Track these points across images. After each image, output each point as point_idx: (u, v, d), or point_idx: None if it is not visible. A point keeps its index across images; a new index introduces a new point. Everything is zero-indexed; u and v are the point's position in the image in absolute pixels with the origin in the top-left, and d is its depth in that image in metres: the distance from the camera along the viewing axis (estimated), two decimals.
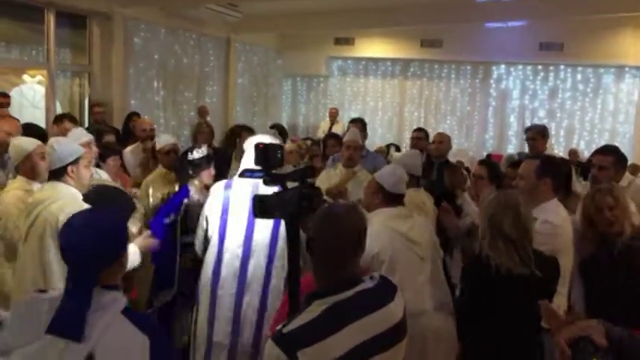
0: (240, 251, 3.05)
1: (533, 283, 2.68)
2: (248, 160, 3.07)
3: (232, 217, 3.08)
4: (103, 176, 4.17)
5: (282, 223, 2.78)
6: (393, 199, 3.28)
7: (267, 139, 3.12)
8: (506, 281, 2.66)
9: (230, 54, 11.17)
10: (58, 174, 3.01)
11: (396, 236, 3.10)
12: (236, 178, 3.12)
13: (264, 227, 3.03)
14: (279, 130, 7.49)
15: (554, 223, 3.17)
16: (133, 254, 2.84)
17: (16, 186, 3.40)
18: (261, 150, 2.21)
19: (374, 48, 12.20)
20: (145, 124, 5.97)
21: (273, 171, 2.16)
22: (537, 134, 5.72)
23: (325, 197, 4.10)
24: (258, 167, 2.22)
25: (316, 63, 12.66)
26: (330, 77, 13.12)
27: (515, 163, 4.60)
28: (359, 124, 6.12)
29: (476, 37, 11.07)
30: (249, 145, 3.12)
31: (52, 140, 3.16)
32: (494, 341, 2.74)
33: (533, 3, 8.66)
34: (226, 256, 3.06)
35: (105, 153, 4.59)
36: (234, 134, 5.93)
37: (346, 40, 12.27)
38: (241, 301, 3.01)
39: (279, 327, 1.80)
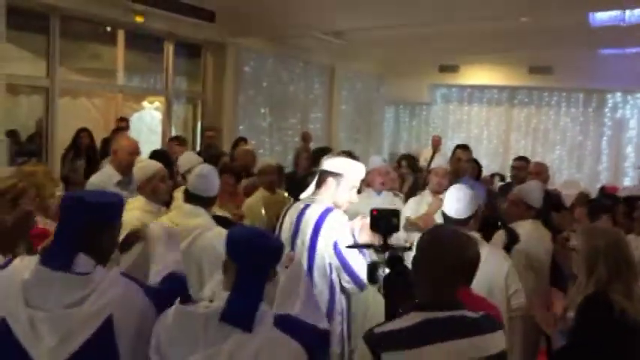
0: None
1: None
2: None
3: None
4: None
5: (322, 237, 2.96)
6: None
7: (338, 160, 3.18)
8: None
9: (334, 81, 11.39)
10: (205, 201, 3.17)
11: None
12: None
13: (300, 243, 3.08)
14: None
15: None
16: None
17: (136, 205, 3.47)
18: (374, 217, 2.24)
19: (479, 75, 11.98)
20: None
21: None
22: None
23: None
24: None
25: (419, 90, 12.63)
26: (433, 105, 13.01)
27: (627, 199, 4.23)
28: (465, 150, 5.91)
29: (589, 64, 10.58)
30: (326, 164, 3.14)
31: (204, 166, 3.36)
32: None
33: None
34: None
35: (221, 171, 4.80)
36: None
37: (451, 68, 12.12)
38: None
39: (373, 326, 1.89)
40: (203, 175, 3.19)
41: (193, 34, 8.28)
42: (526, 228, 3.73)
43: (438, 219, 3.87)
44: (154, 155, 4.36)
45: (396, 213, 2.52)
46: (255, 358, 1.75)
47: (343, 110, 11.79)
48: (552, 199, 5.06)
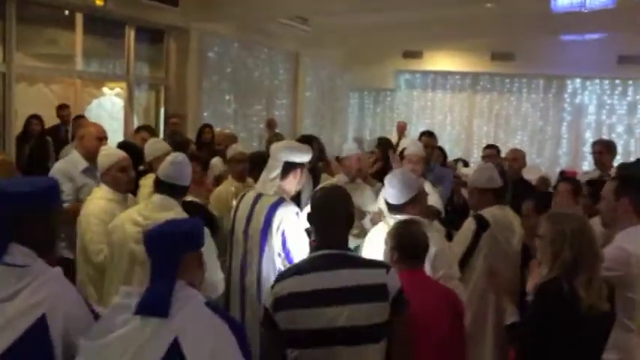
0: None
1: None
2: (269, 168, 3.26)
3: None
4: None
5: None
6: None
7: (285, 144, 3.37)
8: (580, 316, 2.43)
9: (299, 67, 11.31)
10: (176, 191, 3.04)
11: None
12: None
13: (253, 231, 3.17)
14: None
15: (628, 249, 2.80)
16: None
17: (100, 195, 3.43)
18: None
19: (443, 61, 12.07)
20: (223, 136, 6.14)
21: None
22: (604, 148, 5.53)
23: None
24: None
25: (384, 77, 12.66)
26: (398, 91, 13.07)
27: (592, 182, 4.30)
28: (429, 137, 5.90)
29: (550, 50, 10.75)
30: (272, 151, 3.29)
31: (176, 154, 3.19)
32: None
33: (613, 15, 8.34)
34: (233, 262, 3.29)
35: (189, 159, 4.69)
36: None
37: (414, 54, 12.19)
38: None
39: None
40: (177, 162, 3.06)
41: (155, 19, 8.08)
42: (494, 214, 3.75)
43: None
44: (124, 147, 4.23)
45: None
46: (181, 332, 1.75)
47: (308, 97, 11.74)
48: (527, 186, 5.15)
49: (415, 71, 12.70)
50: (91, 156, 3.89)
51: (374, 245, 3.02)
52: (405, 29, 10.15)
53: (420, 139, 5.38)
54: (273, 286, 2.23)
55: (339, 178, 4.39)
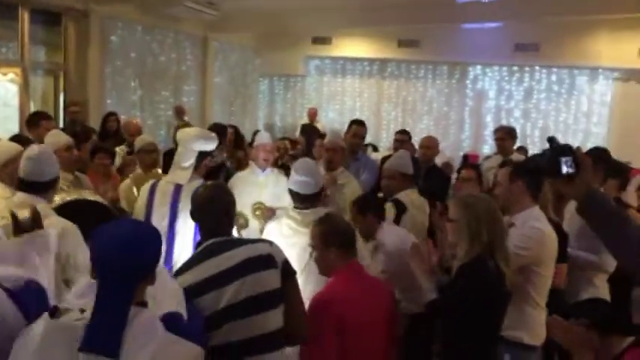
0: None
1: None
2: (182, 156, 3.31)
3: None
4: (84, 181, 4.05)
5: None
6: None
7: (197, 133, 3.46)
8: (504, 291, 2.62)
9: (207, 53, 11.05)
10: (38, 187, 2.77)
11: None
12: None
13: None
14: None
15: (543, 229, 3.00)
16: None
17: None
18: None
19: (351, 47, 12.19)
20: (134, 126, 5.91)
21: None
22: (506, 134, 5.85)
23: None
24: None
25: (293, 62, 12.62)
26: (308, 77, 13.09)
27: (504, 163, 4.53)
28: (359, 126, 5.81)
29: (453, 38, 11.13)
30: (182, 140, 3.37)
31: (33, 149, 2.88)
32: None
33: (509, 4, 8.75)
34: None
35: (94, 150, 4.49)
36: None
37: (323, 40, 12.23)
38: None
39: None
40: (33, 157, 2.77)
41: (51, 0, 7.62)
42: (409, 197, 3.89)
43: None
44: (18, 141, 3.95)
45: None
46: None
47: (217, 83, 11.51)
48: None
49: (324, 57, 12.76)
50: None
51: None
52: (314, 15, 10.18)
53: (350, 127, 5.34)
54: None
55: (250, 169, 4.33)
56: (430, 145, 5.81)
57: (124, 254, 1.65)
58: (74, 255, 2.60)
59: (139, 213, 3.26)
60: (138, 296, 1.70)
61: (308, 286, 2.79)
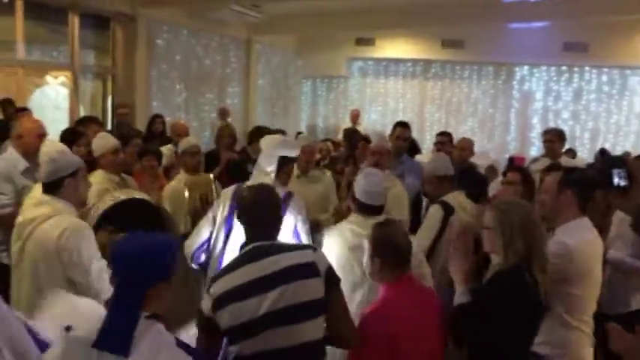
0: None
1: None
2: (265, 161, 3.24)
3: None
4: (130, 183, 4.12)
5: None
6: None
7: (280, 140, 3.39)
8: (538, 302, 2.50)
9: (251, 55, 11.15)
10: (53, 187, 2.77)
11: None
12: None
13: None
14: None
15: (568, 244, 2.79)
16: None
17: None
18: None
19: (395, 48, 12.11)
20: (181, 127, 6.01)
21: None
22: (555, 137, 5.68)
23: None
24: None
25: (336, 64, 12.61)
26: (350, 78, 13.06)
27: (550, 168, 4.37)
28: (403, 128, 5.64)
29: (498, 38, 10.94)
30: (266, 145, 3.30)
31: (49, 149, 2.92)
32: None
33: (558, 3, 8.53)
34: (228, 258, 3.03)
35: (142, 153, 4.57)
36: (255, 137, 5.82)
37: (367, 41, 12.18)
38: None
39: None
40: (54, 160, 2.80)
41: (100, 5, 7.82)
42: (457, 199, 3.82)
43: None
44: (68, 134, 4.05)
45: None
46: None
47: (260, 84, 11.60)
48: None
49: (367, 58, 12.71)
50: (30, 155, 3.73)
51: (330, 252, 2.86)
52: (357, 16, 10.14)
53: (394, 129, 5.30)
54: (208, 290, 2.25)
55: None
56: (465, 146, 5.75)
57: (137, 260, 1.76)
58: (78, 253, 2.62)
59: (219, 216, 3.18)
60: (152, 307, 1.76)
61: (370, 295, 2.75)
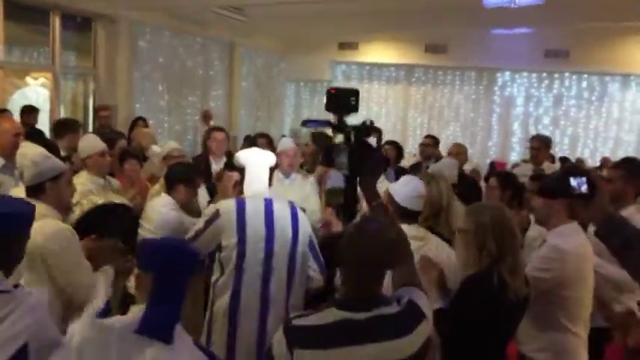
0: (260, 270, 2.87)
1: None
2: (255, 178, 3.04)
3: (250, 234, 2.88)
4: (114, 185, 4.09)
5: (301, 231, 2.93)
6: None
7: (259, 152, 3.17)
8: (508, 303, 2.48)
9: (234, 57, 11.11)
10: (36, 191, 2.71)
11: None
12: (247, 195, 3.02)
13: (283, 240, 2.92)
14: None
15: (562, 247, 2.80)
16: None
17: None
18: (333, 95, 2.52)
19: (378, 53, 12.15)
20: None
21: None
22: (542, 144, 5.75)
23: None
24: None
25: (320, 67, 12.62)
26: (334, 82, 13.06)
27: (536, 177, 4.40)
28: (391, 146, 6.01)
29: (481, 44, 11.01)
30: (249, 162, 3.07)
31: (31, 153, 2.83)
32: None
33: (540, 10, 8.61)
34: (245, 277, 2.86)
35: (123, 157, 4.52)
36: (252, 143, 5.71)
37: (350, 45, 12.21)
38: (265, 324, 2.87)
39: (292, 315, 1.96)
40: (36, 163, 2.73)
41: (82, 6, 7.73)
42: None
43: None
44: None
45: (354, 92, 2.73)
46: None
47: (244, 87, 11.56)
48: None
49: (351, 62, 12.74)
50: (8, 154, 3.73)
51: None
52: (341, 20, 10.15)
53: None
54: (288, 341, 1.84)
55: (275, 176, 4.32)
56: (459, 152, 5.82)
57: (179, 253, 1.92)
58: (62, 257, 2.57)
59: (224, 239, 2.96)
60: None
61: None
